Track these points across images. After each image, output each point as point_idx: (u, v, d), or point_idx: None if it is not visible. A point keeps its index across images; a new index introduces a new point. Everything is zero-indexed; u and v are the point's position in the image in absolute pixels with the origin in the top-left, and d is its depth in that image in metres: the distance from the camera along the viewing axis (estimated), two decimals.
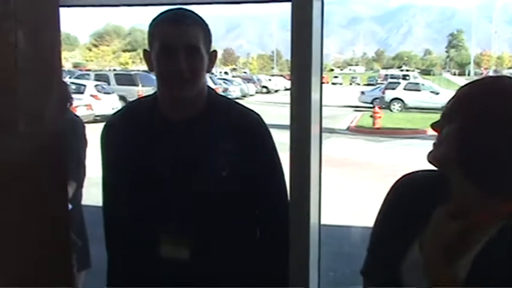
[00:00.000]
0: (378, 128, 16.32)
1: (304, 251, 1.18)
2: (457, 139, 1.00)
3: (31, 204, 1.13)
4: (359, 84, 60.66)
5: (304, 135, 1.14)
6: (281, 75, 52.83)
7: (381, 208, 1.17)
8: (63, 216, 1.26)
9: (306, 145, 1.14)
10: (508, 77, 1.05)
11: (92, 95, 16.88)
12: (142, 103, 1.65)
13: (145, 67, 1.60)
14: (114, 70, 31.52)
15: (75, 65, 68.83)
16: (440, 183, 1.06)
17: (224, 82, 29.55)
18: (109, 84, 20.10)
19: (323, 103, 1.39)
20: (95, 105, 16.07)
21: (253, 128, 1.57)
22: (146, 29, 1.54)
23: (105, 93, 17.87)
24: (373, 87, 33.79)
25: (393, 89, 25.08)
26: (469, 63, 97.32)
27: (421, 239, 1.02)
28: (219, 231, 1.53)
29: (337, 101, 27.08)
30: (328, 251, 1.33)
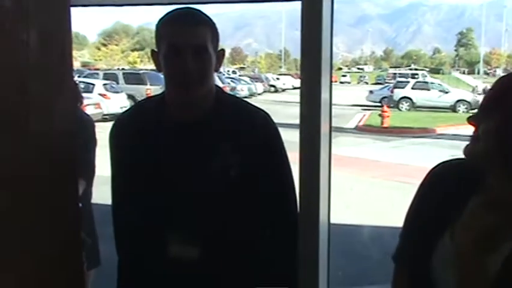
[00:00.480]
0: (386, 127, 16.25)
1: (314, 249, 1.18)
2: (498, 133, 0.98)
3: (42, 202, 1.14)
4: (367, 83, 60.48)
5: (314, 134, 1.14)
6: (289, 74, 52.77)
7: (416, 194, 1.16)
8: (74, 214, 1.27)
9: (315, 144, 1.14)
10: None
11: (100, 94, 16.96)
12: (151, 103, 1.65)
13: (153, 66, 1.59)
14: (123, 69, 31.63)
15: (84, 64, 69.10)
16: (477, 173, 1.05)
17: (232, 81, 29.55)
18: (118, 83, 20.19)
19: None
20: (103, 104, 16.13)
21: (262, 127, 1.56)
22: (154, 28, 1.54)
23: (113, 92, 17.94)
24: (381, 86, 33.67)
25: (402, 87, 24.98)
26: (479, 61, 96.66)
27: (454, 228, 1.01)
28: (228, 230, 1.53)
29: (345, 100, 27.01)
30: (336, 250, 1.33)
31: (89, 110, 12.86)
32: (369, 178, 9.13)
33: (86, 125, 3.08)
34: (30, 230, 1.12)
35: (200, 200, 1.52)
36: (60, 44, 1.07)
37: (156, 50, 1.51)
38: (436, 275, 1.07)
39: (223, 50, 1.54)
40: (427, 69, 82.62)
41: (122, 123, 1.63)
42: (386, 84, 32.82)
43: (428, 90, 24.89)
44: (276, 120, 1.62)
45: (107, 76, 21.56)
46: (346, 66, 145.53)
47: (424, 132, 15.60)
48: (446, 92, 24.88)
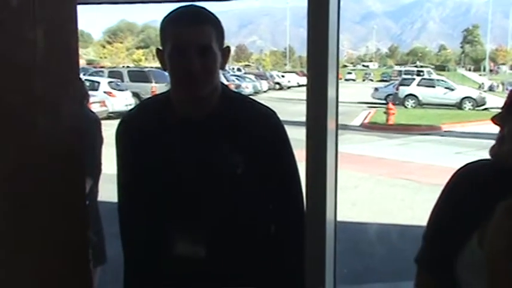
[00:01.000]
0: (391, 125, 16.22)
1: (321, 247, 1.18)
2: None
3: (49, 200, 1.14)
4: (372, 81, 60.37)
5: (320, 132, 1.13)
6: (294, 72, 52.69)
7: (440, 195, 1.14)
8: (80, 212, 1.27)
9: (322, 142, 1.14)
10: None
11: (105, 92, 17.00)
12: (157, 100, 1.66)
13: (158, 64, 1.59)
14: (128, 67, 31.69)
15: (89, 62, 69.26)
16: (504, 175, 1.03)
17: (237, 79, 29.54)
18: (122, 81, 20.21)
19: None
20: (108, 102, 16.17)
21: (268, 123, 1.56)
22: (159, 26, 1.53)
23: (118, 90, 17.97)
24: (386, 83, 33.60)
25: (407, 85, 24.91)
26: (484, 58, 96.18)
27: (481, 232, 0.99)
28: (235, 226, 1.53)
29: (350, 97, 26.97)
30: (342, 247, 1.33)
31: (94, 108, 12.90)
32: (375, 176, 9.12)
33: (92, 123, 3.09)
34: (36, 228, 1.13)
35: (207, 197, 1.52)
36: (66, 42, 1.07)
37: (161, 48, 1.51)
38: (463, 278, 1.05)
39: (228, 48, 1.53)
40: (433, 66, 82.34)
41: (128, 121, 1.63)
42: (392, 82, 32.75)
43: (434, 87, 24.81)
44: (281, 117, 1.62)
45: (112, 74, 21.59)
46: (351, 63, 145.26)
47: (429, 130, 15.56)
48: (452, 89, 24.79)
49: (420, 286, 1.18)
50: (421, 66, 70.21)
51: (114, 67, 35.42)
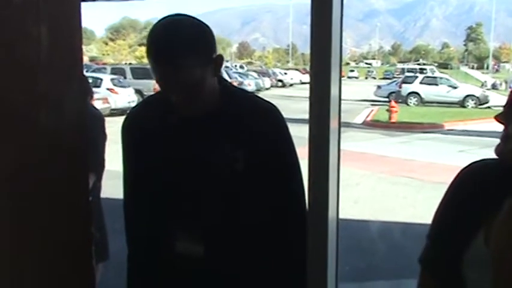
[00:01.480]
0: (394, 123, 16.20)
1: (322, 244, 1.18)
2: None
3: (52, 197, 1.15)
4: (375, 78, 60.28)
5: (323, 130, 1.13)
6: (296, 69, 52.64)
7: (445, 195, 1.13)
8: (84, 208, 1.28)
9: (324, 139, 1.14)
10: None
11: (108, 89, 17.01)
12: (160, 97, 1.66)
13: None
14: (130, 64, 31.69)
15: (92, 59, 69.27)
16: (511, 174, 1.02)
17: (239, 76, 29.54)
18: (125, 77, 20.23)
19: None
20: (111, 98, 16.19)
21: (269, 117, 1.56)
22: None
23: (121, 86, 17.99)
24: (389, 81, 33.54)
25: (410, 83, 24.87)
26: (488, 56, 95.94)
27: (487, 230, 0.99)
28: (237, 221, 1.53)
29: (353, 95, 26.93)
30: (344, 245, 1.33)
31: (97, 105, 12.89)
32: (377, 173, 9.11)
33: (96, 120, 3.09)
34: (40, 224, 1.13)
35: (208, 194, 1.52)
36: (70, 39, 1.08)
37: None
38: (468, 277, 1.04)
39: (220, 56, 1.49)
40: (436, 64, 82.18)
41: (132, 117, 1.64)
42: (395, 79, 32.73)
43: (437, 85, 24.76)
44: (284, 115, 1.62)
45: (114, 71, 21.61)
46: (354, 61, 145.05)
47: (432, 128, 15.53)
48: (455, 87, 24.74)
49: (423, 286, 1.17)
50: (424, 64, 70.14)
51: (117, 64, 35.42)
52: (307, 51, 1.41)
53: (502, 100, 1.42)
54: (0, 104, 1.04)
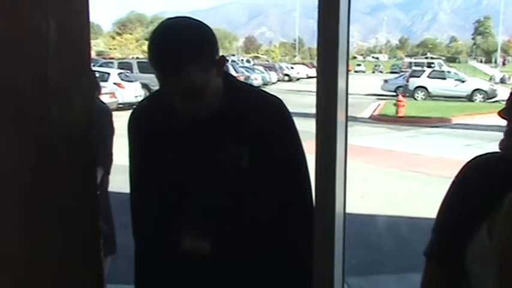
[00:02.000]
0: (401, 117, 16.13)
1: (329, 239, 1.18)
2: None
3: (60, 190, 1.16)
4: (382, 72, 60.04)
5: (330, 124, 1.13)
6: (303, 64, 52.49)
7: (450, 188, 1.14)
8: (92, 202, 1.29)
9: (332, 134, 1.14)
10: None
11: (115, 83, 17.03)
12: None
13: None
14: (137, 58, 31.69)
15: (99, 53, 69.36)
16: None
17: (246, 70, 29.48)
18: (132, 72, 20.24)
19: None
20: (118, 93, 16.21)
21: (275, 111, 1.55)
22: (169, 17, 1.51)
23: (128, 81, 18.00)
24: (396, 75, 33.39)
25: (417, 76, 24.73)
26: (496, 50, 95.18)
27: (490, 223, 1.00)
28: (244, 216, 1.53)
29: (360, 89, 26.83)
30: (351, 239, 1.33)
31: (104, 99, 12.93)
32: (384, 168, 9.09)
33: (104, 114, 3.11)
34: (48, 217, 1.14)
35: (214, 191, 1.52)
36: (78, 34, 1.08)
37: None
38: (472, 270, 1.05)
39: (223, 57, 1.49)
40: (443, 58, 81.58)
41: (140, 111, 1.64)
42: (402, 73, 32.53)
43: (444, 79, 24.62)
44: (290, 109, 1.61)
45: (121, 65, 21.62)
46: (361, 55, 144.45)
47: (439, 122, 15.45)
48: (463, 81, 24.59)
49: (428, 279, 1.18)
50: (432, 58, 69.61)
51: (124, 58, 35.46)
52: (314, 46, 1.41)
53: None
54: (10, 99, 1.05)
